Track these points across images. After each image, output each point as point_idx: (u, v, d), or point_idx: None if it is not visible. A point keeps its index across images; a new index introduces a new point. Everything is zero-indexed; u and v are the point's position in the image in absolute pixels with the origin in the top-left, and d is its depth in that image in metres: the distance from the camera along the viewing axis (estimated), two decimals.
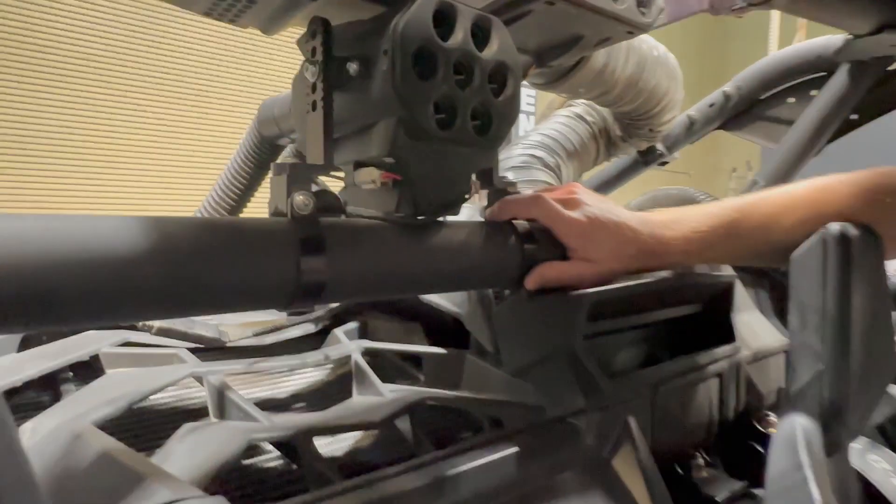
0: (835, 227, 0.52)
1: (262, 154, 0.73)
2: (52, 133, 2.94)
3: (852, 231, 0.52)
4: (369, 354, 0.61)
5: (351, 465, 0.49)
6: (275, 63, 3.63)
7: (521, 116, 2.88)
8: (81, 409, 0.42)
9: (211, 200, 0.80)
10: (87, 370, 0.54)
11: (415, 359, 0.65)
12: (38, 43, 2.86)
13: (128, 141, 3.15)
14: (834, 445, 0.52)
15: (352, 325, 0.68)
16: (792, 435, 0.48)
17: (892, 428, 0.68)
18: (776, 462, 0.47)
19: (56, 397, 0.51)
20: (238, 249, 0.38)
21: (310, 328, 0.69)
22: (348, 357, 0.59)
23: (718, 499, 0.56)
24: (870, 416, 0.56)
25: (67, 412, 0.43)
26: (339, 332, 0.64)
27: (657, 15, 0.60)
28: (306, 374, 0.62)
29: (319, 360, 0.58)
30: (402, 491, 0.38)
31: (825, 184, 0.57)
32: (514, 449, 0.45)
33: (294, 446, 0.44)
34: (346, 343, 0.61)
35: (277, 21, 0.51)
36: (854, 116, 0.86)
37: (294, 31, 0.53)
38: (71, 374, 0.55)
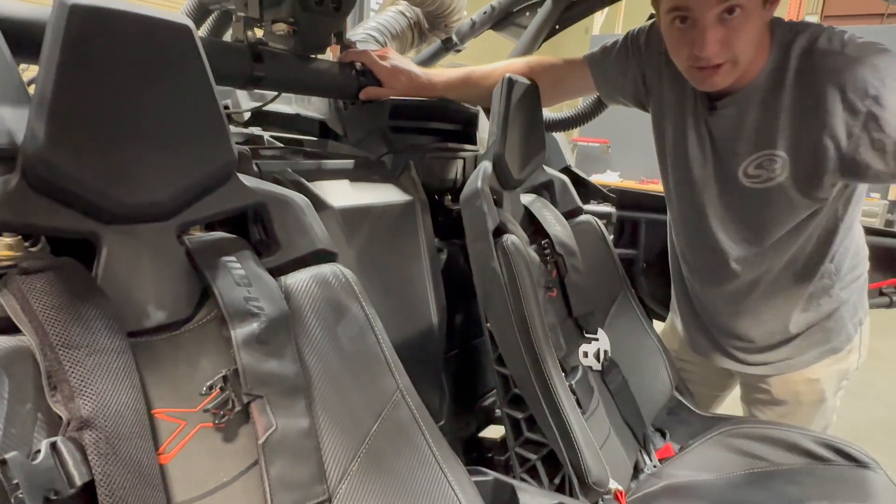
0: (507, 76, 1.08)
1: (199, 15, 1.12)
2: None
3: (516, 77, 1.08)
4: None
5: None
6: None
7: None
8: None
9: None
10: None
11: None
12: None
13: None
14: (505, 179, 1.10)
15: None
16: (480, 167, 1.06)
17: (548, 193, 1.30)
18: (471, 178, 1.04)
19: None
20: (224, 53, 0.83)
21: None
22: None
23: (455, 209, 1.14)
24: (525, 173, 1.16)
25: None
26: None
27: None
28: None
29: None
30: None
31: (513, 61, 1.14)
32: (351, 165, 0.97)
33: None
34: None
35: None
36: (557, 27, 1.45)
37: None
38: None
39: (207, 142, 0.61)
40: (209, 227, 0.68)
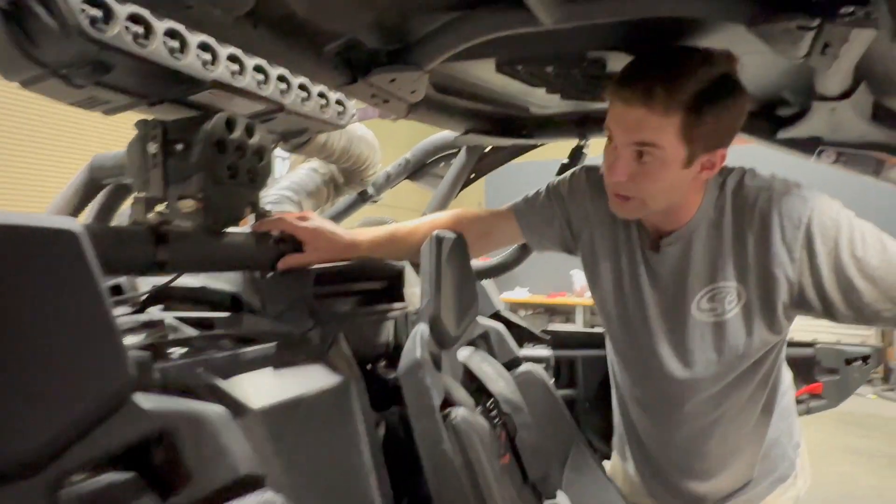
0: (435, 233, 1.04)
1: (89, 189, 1.00)
2: None
3: (443, 233, 1.05)
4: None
5: None
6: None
7: (279, 161, 3.31)
8: None
9: None
10: None
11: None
12: None
13: None
14: (443, 339, 1.02)
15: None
16: (416, 332, 0.98)
17: (485, 343, 1.24)
18: (408, 345, 0.95)
19: None
20: (120, 242, 0.72)
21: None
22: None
23: (390, 378, 1.04)
24: (462, 328, 1.09)
25: None
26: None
27: (350, 119, 1.08)
28: None
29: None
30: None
31: (438, 216, 1.12)
32: (273, 349, 0.85)
33: None
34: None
35: (120, 111, 0.86)
36: (473, 175, 1.49)
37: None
38: None
39: (94, 365, 0.49)
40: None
